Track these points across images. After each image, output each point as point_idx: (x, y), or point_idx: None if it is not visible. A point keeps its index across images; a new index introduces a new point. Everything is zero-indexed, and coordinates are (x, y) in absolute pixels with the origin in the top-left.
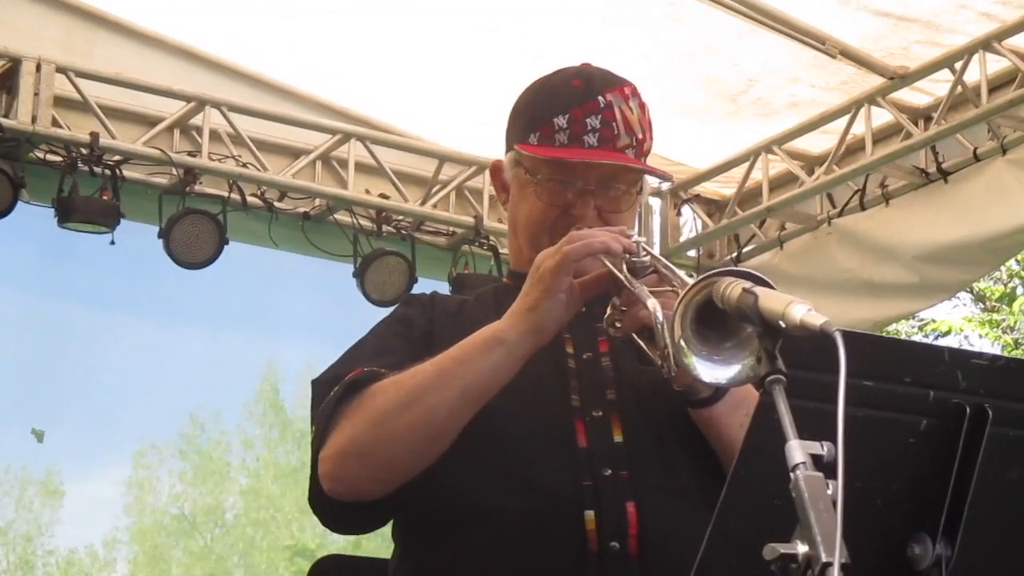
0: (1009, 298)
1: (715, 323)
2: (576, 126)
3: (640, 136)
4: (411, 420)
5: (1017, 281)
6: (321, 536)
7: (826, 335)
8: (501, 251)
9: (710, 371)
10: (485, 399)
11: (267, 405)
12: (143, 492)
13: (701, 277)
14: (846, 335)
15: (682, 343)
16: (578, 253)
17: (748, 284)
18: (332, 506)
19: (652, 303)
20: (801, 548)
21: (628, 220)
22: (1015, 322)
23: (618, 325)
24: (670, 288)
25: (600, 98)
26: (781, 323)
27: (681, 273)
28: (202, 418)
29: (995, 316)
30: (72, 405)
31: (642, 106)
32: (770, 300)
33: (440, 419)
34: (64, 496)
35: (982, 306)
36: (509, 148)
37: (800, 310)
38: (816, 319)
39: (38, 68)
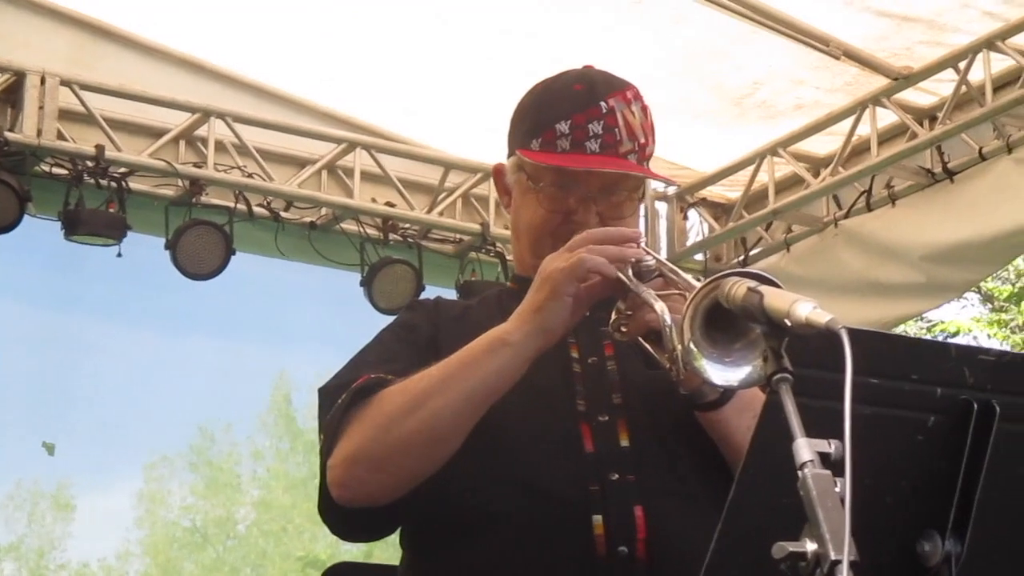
0: (1017, 298)
1: (724, 325)
2: (578, 132)
3: (642, 141)
4: (417, 425)
5: None
6: (333, 547)
7: (832, 332)
8: (508, 258)
9: (720, 373)
10: (491, 402)
11: (277, 416)
12: (154, 505)
13: (709, 280)
14: (852, 332)
15: (692, 346)
16: (594, 266)
17: (753, 283)
18: (341, 514)
19: (660, 306)
20: (810, 546)
21: (631, 225)
22: (1023, 321)
23: (624, 329)
24: (677, 292)
25: (602, 103)
26: (786, 321)
27: (687, 276)
28: (212, 430)
29: (1004, 316)
30: (82, 418)
31: (644, 110)
32: (775, 298)
33: (445, 423)
34: (75, 510)
35: (990, 306)
36: (511, 152)
37: (805, 308)
38: (821, 316)
39: (43, 81)
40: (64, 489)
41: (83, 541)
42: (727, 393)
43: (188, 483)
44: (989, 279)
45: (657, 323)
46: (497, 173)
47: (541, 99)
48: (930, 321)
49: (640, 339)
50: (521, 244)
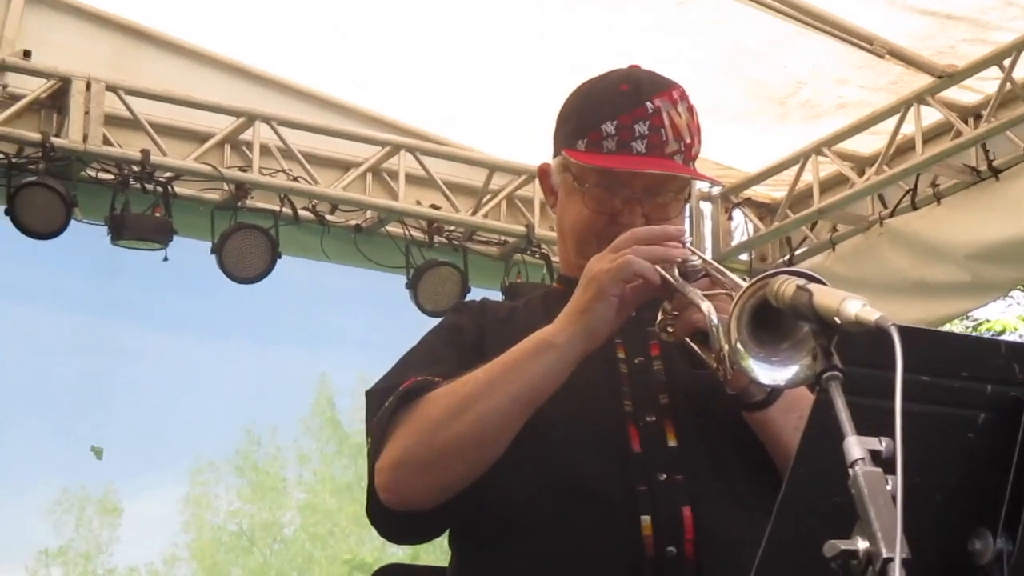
0: None
1: (770, 325)
2: (624, 132)
3: (688, 141)
4: (463, 428)
5: None
6: (380, 550)
7: (882, 330)
8: (553, 259)
9: (768, 373)
10: (537, 404)
11: (323, 420)
12: (201, 509)
13: (755, 279)
14: (902, 330)
15: (739, 345)
16: (640, 269)
17: (802, 281)
18: (390, 517)
19: (707, 306)
20: (862, 544)
21: (677, 225)
22: None
23: (670, 330)
24: (723, 291)
25: (648, 104)
26: (836, 319)
27: (733, 276)
28: (258, 433)
29: None
30: (127, 423)
31: (690, 109)
32: (825, 296)
33: (492, 426)
34: (122, 514)
35: None
36: (557, 153)
37: (855, 305)
38: (871, 314)
39: (88, 87)
40: (111, 494)
41: (130, 546)
42: (774, 393)
43: (234, 487)
44: None
45: (703, 323)
46: (543, 173)
47: (587, 99)
48: (976, 320)
49: (687, 339)
50: (567, 244)
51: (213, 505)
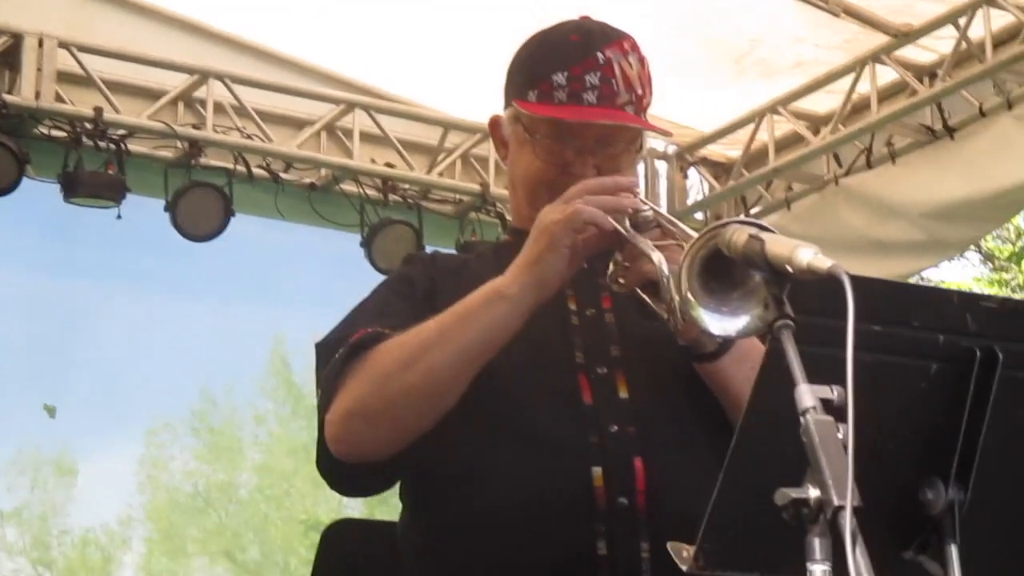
0: (1018, 257)
1: (721, 275)
2: (575, 83)
3: (639, 92)
4: (414, 378)
5: None
6: (335, 511)
7: (834, 278)
8: (508, 218)
9: (718, 323)
10: (488, 355)
11: (278, 380)
12: (156, 470)
13: (706, 229)
14: (854, 279)
15: (689, 296)
16: (590, 217)
17: (754, 230)
18: (340, 469)
19: (657, 256)
20: (813, 492)
21: (629, 177)
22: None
23: (622, 281)
24: (674, 242)
25: (599, 54)
26: (788, 267)
27: (684, 227)
28: (213, 393)
29: (1004, 275)
30: (83, 383)
31: (642, 60)
32: (777, 245)
33: (443, 376)
34: (78, 475)
35: (991, 265)
36: (507, 104)
37: (807, 253)
38: (823, 262)
39: (40, 44)
40: (66, 455)
41: (85, 506)
42: (726, 343)
43: (190, 448)
44: (989, 238)
45: (655, 273)
46: (493, 125)
47: (537, 50)
48: (930, 281)
49: (638, 290)
50: (518, 196)
51: (168, 466)
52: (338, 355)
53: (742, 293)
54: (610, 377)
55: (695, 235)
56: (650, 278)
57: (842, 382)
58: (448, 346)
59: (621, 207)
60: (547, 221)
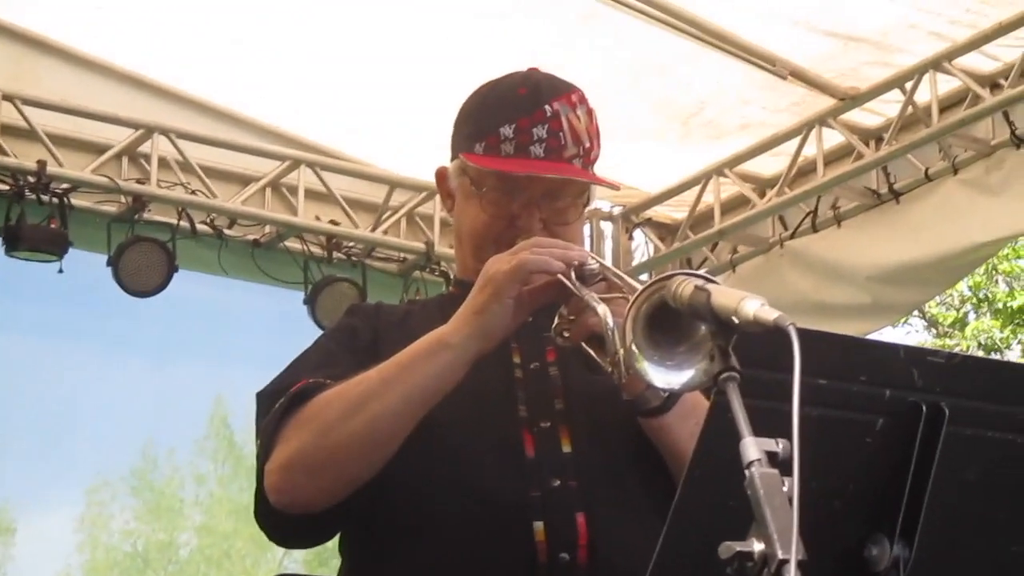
0: (961, 324)
1: (667, 328)
2: (522, 136)
3: (587, 145)
4: (355, 428)
5: (969, 306)
6: (275, 571)
7: (780, 330)
8: (452, 276)
9: (663, 376)
10: (430, 405)
11: (219, 440)
12: (96, 529)
13: (651, 281)
14: (800, 331)
15: (634, 348)
16: (536, 265)
17: (700, 282)
18: (279, 520)
19: (602, 309)
20: (757, 546)
21: (576, 231)
22: (967, 347)
23: (566, 334)
24: (620, 296)
25: (547, 107)
26: (734, 319)
27: (630, 280)
28: (154, 453)
29: (948, 341)
30: (21, 440)
31: (589, 113)
32: (723, 296)
33: (384, 425)
34: (16, 533)
35: (934, 331)
36: (455, 156)
37: (753, 305)
38: (770, 314)
39: None
40: (5, 512)
41: (24, 566)
42: (670, 399)
43: (130, 507)
44: (933, 304)
45: (600, 327)
46: (440, 176)
47: (485, 102)
48: None
49: (583, 344)
50: (464, 249)
51: (108, 525)
52: (278, 405)
53: (687, 347)
54: (553, 431)
55: (641, 288)
56: (595, 331)
57: (788, 436)
58: (389, 395)
59: (568, 259)
60: (493, 271)
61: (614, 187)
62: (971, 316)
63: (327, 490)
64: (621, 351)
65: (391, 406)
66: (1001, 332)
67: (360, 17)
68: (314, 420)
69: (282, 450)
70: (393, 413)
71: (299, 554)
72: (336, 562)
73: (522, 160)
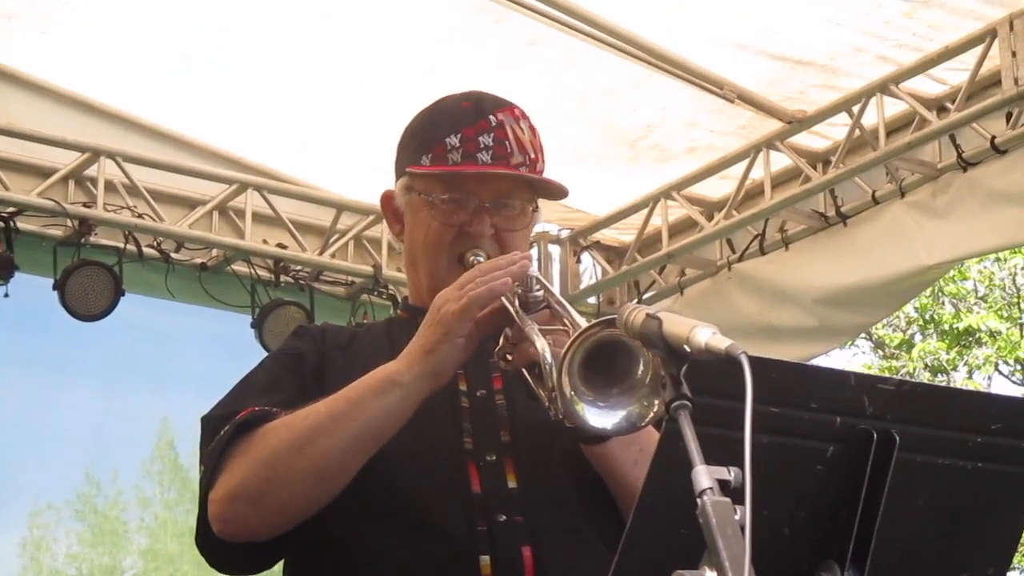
0: (908, 345)
1: (602, 369)
2: (469, 144)
3: (533, 156)
4: (303, 464)
5: (916, 328)
6: None
7: (731, 358)
8: (399, 299)
9: (597, 418)
10: (380, 443)
11: (164, 463)
12: (39, 552)
13: (590, 324)
14: (752, 360)
15: (570, 393)
16: (483, 299)
17: (651, 310)
18: (222, 547)
19: (541, 344)
20: (709, 574)
21: (524, 239)
22: (914, 369)
23: (509, 358)
24: (561, 328)
25: (491, 117)
26: (686, 347)
27: (573, 311)
28: (98, 477)
29: (894, 363)
30: None
31: (532, 129)
32: (674, 324)
33: (332, 463)
34: None
35: (881, 353)
36: (400, 175)
37: (705, 333)
38: (721, 342)
39: None
40: None
41: None
42: None
43: (74, 531)
44: (880, 326)
45: (539, 358)
46: (385, 200)
47: (429, 118)
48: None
49: (524, 371)
50: (418, 269)
51: (52, 549)
52: (223, 432)
53: (621, 389)
54: (499, 464)
55: (582, 321)
56: (535, 360)
57: (739, 463)
58: (338, 432)
59: (515, 274)
60: (444, 312)
61: (563, 192)
62: (917, 338)
63: (271, 522)
64: (558, 392)
65: (340, 443)
66: (947, 353)
67: (306, 41)
68: (259, 452)
69: (226, 480)
70: (341, 450)
71: None
72: None
73: (470, 166)
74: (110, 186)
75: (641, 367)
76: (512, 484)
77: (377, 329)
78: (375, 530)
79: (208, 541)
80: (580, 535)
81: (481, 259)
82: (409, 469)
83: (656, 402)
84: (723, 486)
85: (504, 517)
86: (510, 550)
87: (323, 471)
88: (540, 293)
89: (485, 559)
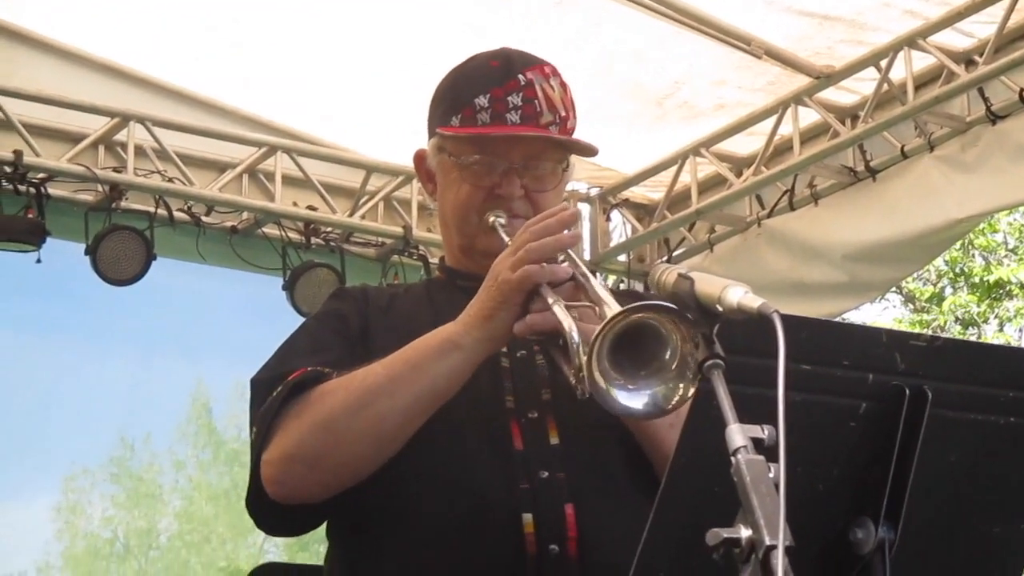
0: (938, 299)
1: (631, 352)
2: (498, 104)
3: (563, 114)
4: (362, 425)
5: (946, 281)
6: (255, 557)
7: (764, 317)
8: (431, 260)
9: (627, 400)
10: (438, 404)
11: (198, 425)
12: (74, 516)
13: (619, 312)
14: (784, 318)
15: (600, 378)
16: (540, 276)
17: (683, 269)
18: (274, 509)
19: (568, 323)
20: (744, 532)
21: (556, 197)
22: (944, 322)
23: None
24: (586, 304)
25: (520, 76)
26: (718, 307)
27: (598, 285)
28: (132, 440)
29: (925, 317)
30: None
31: (564, 86)
32: (706, 284)
33: (392, 424)
34: None
35: (912, 307)
36: (431, 135)
37: (737, 292)
38: (754, 301)
39: None
40: None
41: (3, 555)
42: None
43: (109, 495)
44: (910, 279)
45: (566, 335)
46: (418, 160)
47: (458, 78)
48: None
49: (550, 347)
50: (450, 229)
51: (87, 512)
52: (276, 393)
53: (649, 372)
54: (541, 422)
55: (606, 296)
56: (560, 332)
57: (773, 422)
58: (399, 394)
59: (568, 244)
60: (502, 279)
61: (593, 151)
62: (948, 291)
63: (326, 483)
64: (586, 374)
65: (401, 404)
66: (978, 307)
67: (334, 3)
68: (316, 414)
69: (281, 441)
70: (402, 411)
71: (280, 539)
72: (317, 547)
73: (499, 127)
74: (140, 151)
75: (669, 351)
76: (555, 440)
77: (417, 291)
78: (417, 490)
79: (259, 502)
80: (621, 493)
81: (502, 220)
82: (451, 429)
83: (682, 385)
84: (757, 444)
85: (547, 473)
86: (553, 507)
87: (382, 433)
88: (565, 264)
89: (527, 517)
